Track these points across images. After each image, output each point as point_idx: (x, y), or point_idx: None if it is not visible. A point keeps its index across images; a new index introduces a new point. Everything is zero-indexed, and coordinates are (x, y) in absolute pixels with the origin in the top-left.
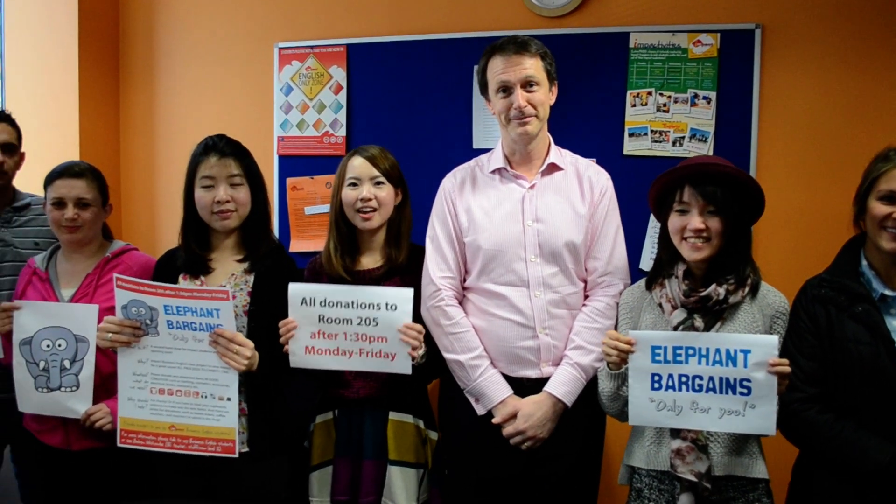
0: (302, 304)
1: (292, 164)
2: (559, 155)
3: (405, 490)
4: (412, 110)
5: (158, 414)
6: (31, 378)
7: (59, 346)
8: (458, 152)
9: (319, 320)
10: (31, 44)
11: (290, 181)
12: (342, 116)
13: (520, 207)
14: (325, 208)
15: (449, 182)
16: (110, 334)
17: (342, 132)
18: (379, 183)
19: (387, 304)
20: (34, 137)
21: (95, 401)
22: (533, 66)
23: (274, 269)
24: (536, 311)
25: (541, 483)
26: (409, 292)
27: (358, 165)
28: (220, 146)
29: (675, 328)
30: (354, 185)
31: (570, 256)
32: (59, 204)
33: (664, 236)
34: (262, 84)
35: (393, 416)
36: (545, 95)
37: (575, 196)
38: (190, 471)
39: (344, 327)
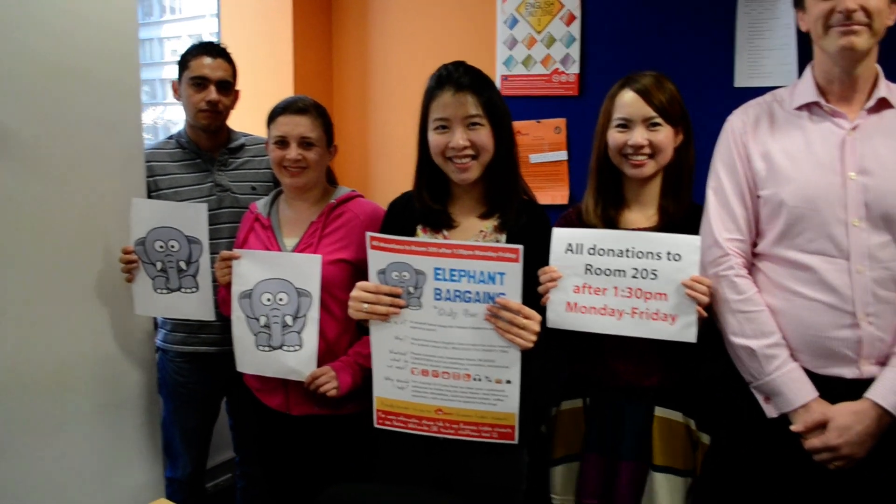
0: (567, 251)
1: (517, 106)
2: (889, 90)
3: (670, 501)
4: (658, 42)
5: (422, 396)
6: (252, 335)
7: (281, 300)
8: (716, 92)
9: (586, 271)
10: None
11: (514, 125)
12: (575, 51)
13: (838, 154)
14: (554, 156)
15: (738, 120)
16: (366, 304)
17: (574, 69)
18: (655, 124)
19: (669, 254)
20: (249, 77)
21: (320, 366)
22: None
23: (530, 227)
24: (858, 291)
25: None
26: (696, 240)
27: (628, 103)
28: (456, 77)
29: None
30: (624, 126)
31: None
32: (282, 143)
33: None
34: (482, 17)
35: (659, 411)
36: (884, 2)
37: None
38: (418, 453)
39: (615, 280)
